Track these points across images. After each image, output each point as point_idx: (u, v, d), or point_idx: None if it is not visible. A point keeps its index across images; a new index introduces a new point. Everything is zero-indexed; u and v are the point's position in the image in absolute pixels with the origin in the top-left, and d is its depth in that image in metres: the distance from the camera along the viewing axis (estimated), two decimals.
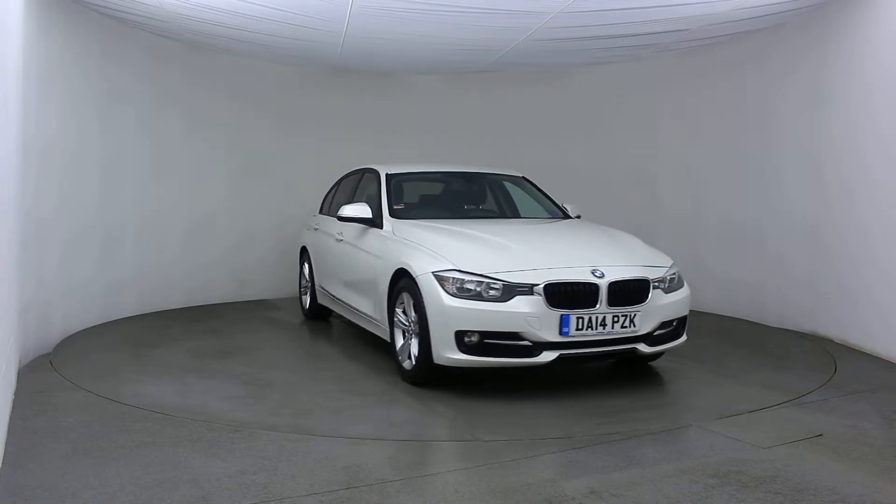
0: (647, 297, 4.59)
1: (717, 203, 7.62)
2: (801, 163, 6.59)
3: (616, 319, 4.47)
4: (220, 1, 5.78)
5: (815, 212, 6.41)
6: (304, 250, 7.35)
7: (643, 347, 4.64)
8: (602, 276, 4.48)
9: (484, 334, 4.35)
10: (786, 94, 6.75)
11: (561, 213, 6.21)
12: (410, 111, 9.04)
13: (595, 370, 5.29)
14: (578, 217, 6.19)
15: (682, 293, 4.96)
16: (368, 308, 5.46)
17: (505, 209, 6.32)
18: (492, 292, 4.37)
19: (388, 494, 3.02)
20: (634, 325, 4.53)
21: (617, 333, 4.50)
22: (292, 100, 8.61)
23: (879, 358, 5.55)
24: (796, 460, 3.42)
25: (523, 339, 4.34)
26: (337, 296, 6.26)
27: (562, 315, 4.33)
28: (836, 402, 4.43)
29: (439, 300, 4.42)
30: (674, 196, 8.12)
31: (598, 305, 4.42)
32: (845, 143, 6.01)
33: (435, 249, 4.75)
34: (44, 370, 5.05)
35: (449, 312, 4.38)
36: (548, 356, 4.36)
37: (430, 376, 4.66)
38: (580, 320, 4.37)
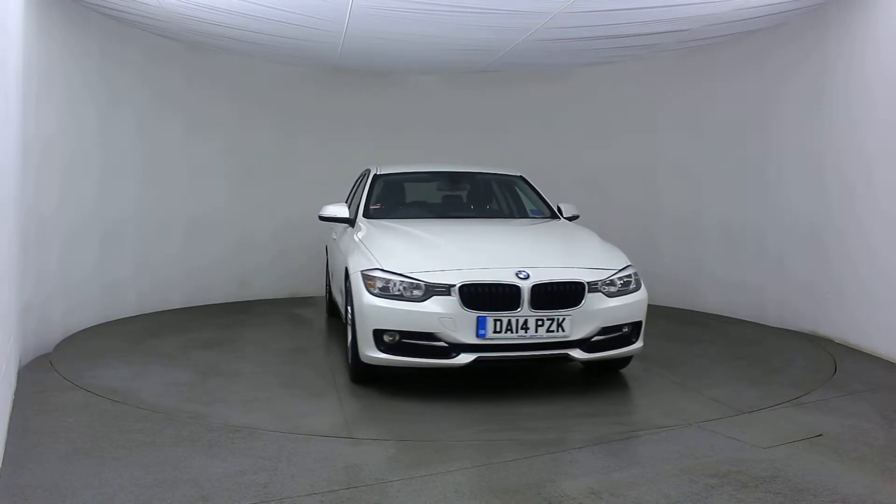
0: (581, 300, 4.40)
1: (718, 203, 7.62)
2: (801, 163, 6.59)
3: (541, 323, 4.30)
4: (221, 1, 5.78)
5: (815, 212, 6.41)
6: (326, 249, 7.51)
7: (578, 354, 4.40)
8: (527, 277, 4.33)
9: (403, 334, 4.35)
10: (786, 94, 6.75)
11: (548, 214, 6.03)
12: (410, 111, 9.03)
13: (572, 373, 5.29)
14: (575, 217, 6.09)
15: (634, 297, 4.67)
16: (342, 306, 5.57)
17: (488, 209, 6.26)
18: (414, 292, 4.36)
19: (388, 494, 3.02)
20: (563, 330, 4.33)
21: (542, 338, 4.32)
22: (292, 100, 8.61)
23: (879, 358, 5.55)
24: (796, 460, 3.42)
25: (439, 340, 4.30)
26: (332, 293, 6.49)
27: (478, 317, 4.25)
28: (836, 402, 4.43)
29: (360, 299, 4.47)
30: (674, 196, 8.11)
31: (520, 308, 4.28)
32: (846, 144, 6.01)
33: (372, 249, 4.78)
34: (44, 370, 5.05)
35: (367, 311, 4.42)
36: (465, 358, 4.28)
37: (364, 374, 4.70)
38: (498, 323, 4.26)
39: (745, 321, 7.18)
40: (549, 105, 8.89)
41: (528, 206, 6.22)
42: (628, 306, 4.61)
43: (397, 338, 4.37)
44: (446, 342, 4.29)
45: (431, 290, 4.32)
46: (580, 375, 5.15)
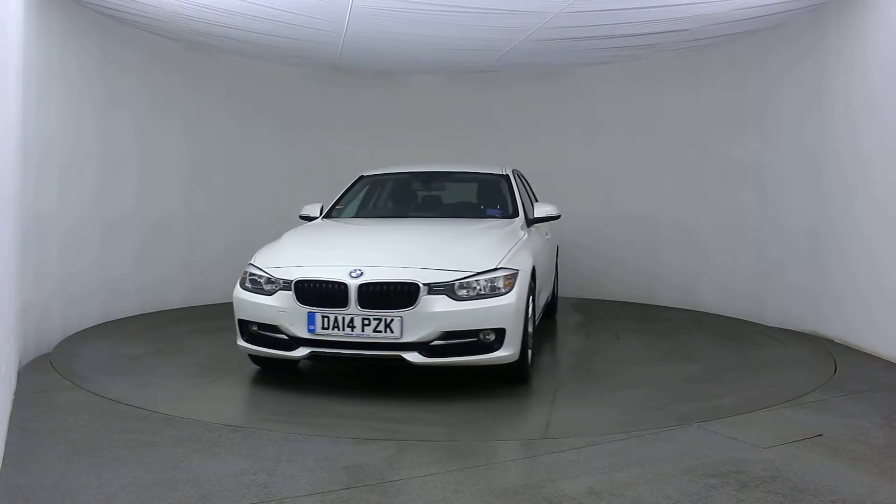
0: (415, 302, 4.27)
1: (718, 202, 7.62)
2: (801, 163, 6.59)
3: (367, 322, 4.28)
4: (220, 1, 5.78)
5: (815, 212, 6.41)
6: None
7: (413, 357, 4.28)
8: (359, 275, 4.34)
9: (259, 325, 4.59)
10: (786, 94, 6.75)
11: (509, 214, 5.75)
12: (410, 111, 9.03)
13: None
14: (551, 218, 5.85)
15: (495, 301, 4.37)
16: None
17: (451, 209, 6.18)
18: (267, 287, 4.57)
19: (388, 494, 3.02)
20: (393, 331, 4.25)
21: (370, 337, 4.29)
22: (292, 100, 8.61)
23: (879, 358, 5.55)
24: (796, 460, 3.42)
25: (281, 333, 4.49)
26: None
27: (308, 312, 4.36)
28: (836, 402, 4.43)
29: (234, 291, 4.78)
30: (674, 196, 8.12)
31: (348, 306, 4.31)
32: (846, 144, 6.00)
33: (269, 246, 5.06)
34: (44, 370, 5.05)
35: (235, 303, 4.73)
36: (301, 352, 4.44)
37: (256, 362, 5.01)
38: (326, 319, 4.33)
39: (745, 321, 7.18)
40: (549, 105, 8.89)
41: (496, 205, 6.01)
42: (482, 311, 4.32)
43: (255, 329, 4.62)
44: (286, 335, 4.47)
45: (278, 286, 4.52)
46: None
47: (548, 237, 6.41)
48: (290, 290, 4.44)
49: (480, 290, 4.38)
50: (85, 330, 6.35)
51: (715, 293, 7.68)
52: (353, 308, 4.30)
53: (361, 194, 6.38)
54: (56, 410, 4.13)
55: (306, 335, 4.39)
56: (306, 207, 6.09)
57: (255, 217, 8.33)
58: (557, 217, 5.96)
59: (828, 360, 5.50)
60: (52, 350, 5.62)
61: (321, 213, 6.02)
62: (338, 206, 6.17)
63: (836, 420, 4.05)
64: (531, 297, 4.86)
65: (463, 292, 4.34)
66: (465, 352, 4.36)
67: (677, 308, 7.95)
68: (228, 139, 8.14)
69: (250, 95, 8.33)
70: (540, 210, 5.84)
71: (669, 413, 4.22)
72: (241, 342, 4.73)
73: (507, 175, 6.24)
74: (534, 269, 4.95)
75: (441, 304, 4.28)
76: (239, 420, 4.04)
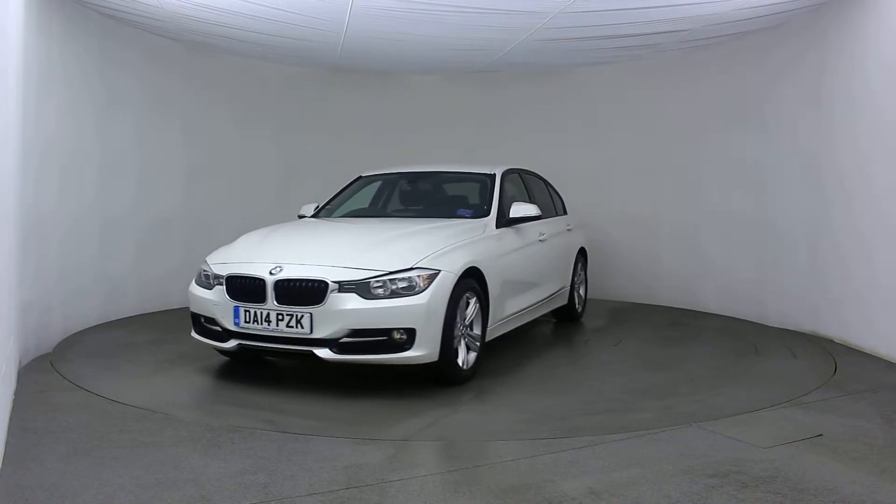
0: (323, 299, 4.36)
1: (717, 202, 7.63)
2: (801, 162, 6.59)
3: (281, 317, 4.43)
4: (221, 1, 5.78)
5: (815, 211, 6.41)
6: None
7: (324, 353, 4.35)
8: (278, 272, 4.49)
9: (205, 318, 4.84)
10: (786, 93, 6.75)
11: (481, 214, 5.60)
12: (410, 111, 9.04)
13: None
14: (531, 218, 5.74)
15: (407, 301, 4.36)
16: None
17: (429, 210, 6.08)
18: (211, 281, 4.82)
19: (388, 494, 3.02)
20: (303, 327, 4.37)
21: (284, 332, 4.43)
22: (292, 99, 8.61)
23: (879, 358, 5.55)
24: (796, 460, 3.42)
25: (216, 325, 4.73)
26: None
27: (234, 306, 4.59)
28: (836, 402, 4.43)
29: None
30: (673, 196, 8.12)
31: (266, 301, 4.48)
32: (846, 143, 6.00)
33: (230, 243, 5.28)
34: (44, 370, 5.05)
35: (189, 297, 5.02)
36: (231, 343, 4.67)
37: (224, 354, 5.14)
38: (248, 313, 4.54)
39: (745, 321, 7.19)
40: (549, 105, 8.90)
41: (471, 205, 5.92)
42: (391, 310, 4.34)
43: (202, 321, 4.88)
44: (220, 327, 4.70)
45: (217, 281, 4.76)
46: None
47: (542, 238, 6.12)
48: (223, 284, 4.69)
49: (396, 289, 4.39)
50: (85, 329, 6.35)
51: (714, 292, 7.68)
52: (271, 303, 4.47)
53: (354, 194, 6.47)
54: (56, 410, 4.13)
55: (234, 328, 4.61)
56: (304, 207, 6.27)
57: (255, 216, 8.28)
58: (536, 217, 5.78)
59: (828, 360, 5.50)
60: (52, 350, 5.62)
61: (314, 213, 6.17)
62: (328, 206, 6.29)
63: (836, 420, 4.05)
64: (475, 299, 4.81)
65: (379, 291, 4.38)
66: (376, 350, 4.39)
67: (677, 308, 7.95)
68: (228, 139, 8.14)
69: (250, 95, 8.33)
70: (516, 210, 5.66)
71: (568, 424, 3.99)
72: (193, 333, 5.02)
73: (494, 175, 6.03)
74: (477, 270, 4.83)
75: (350, 302, 4.35)
76: (240, 421, 4.04)
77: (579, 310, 7.32)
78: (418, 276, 4.44)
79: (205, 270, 4.93)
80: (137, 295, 7.19)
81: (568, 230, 7.02)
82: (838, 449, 3.59)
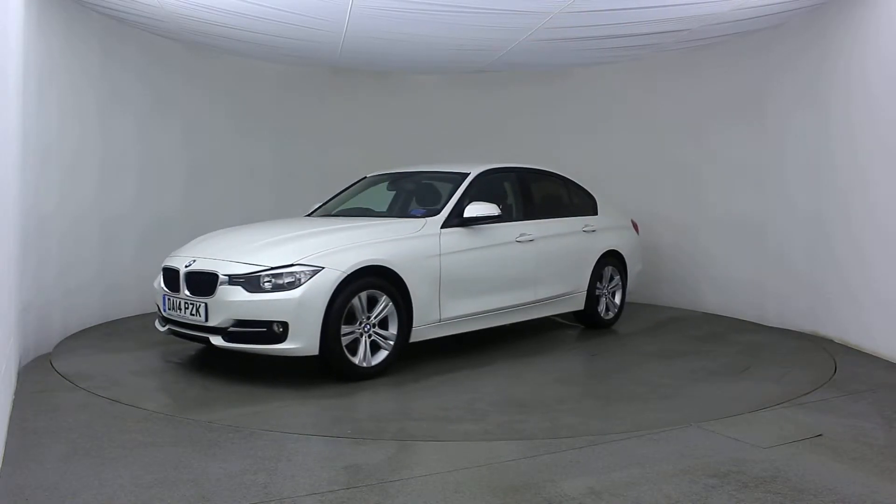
0: (213, 290, 4.72)
1: (717, 202, 7.62)
2: (800, 161, 6.59)
3: (187, 306, 4.87)
4: (221, 1, 5.78)
5: (815, 211, 6.41)
6: None
7: (217, 341, 4.71)
8: (190, 265, 4.93)
9: (159, 307, 5.25)
10: (785, 93, 6.75)
11: (433, 213, 5.55)
12: (410, 111, 9.03)
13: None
14: (489, 218, 5.58)
15: (281, 295, 4.53)
16: None
17: (401, 210, 6.09)
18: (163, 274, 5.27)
19: (388, 494, 3.02)
20: (201, 316, 4.77)
21: (189, 319, 4.87)
22: (292, 99, 8.61)
23: (879, 358, 5.55)
24: (796, 460, 3.42)
25: (160, 311, 5.23)
26: None
27: (163, 295, 5.11)
28: (836, 402, 4.43)
29: None
30: (673, 195, 8.12)
31: (180, 291, 4.93)
32: (845, 142, 6.00)
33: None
34: (44, 370, 5.05)
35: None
36: (164, 328, 5.16)
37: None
38: (169, 300, 5.04)
39: (745, 321, 7.19)
40: (549, 105, 8.89)
41: (427, 204, 5.88)
42: (267, 303, 4.58)
43: (158, 308, 5.29)
44: (161, 313, 5.19)
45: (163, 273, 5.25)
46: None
47: (522, 239, 5.92)
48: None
49: (281, 283, 4.62)
50: (85, 329, 6.35)
51: (714, 292, 7.68)
52: (183, 293, 4.91)
53: (349, 194, 6.58)
54: (56, 410, 4.13)
55: (164, 314, 5.12)
56: (314, 205, 6.59)
57: (255, 216, 8.28)
58: (494, 217, 5.58)
59: (828, 360, 5.50)
60: (52, 350, 5.63)
61: (310, 212, 6.45)
62: (325, 205, 6.50)
63: (836, 420, 4.05)
64: (385, 297, 4.89)
65: (267, 284, 4.63)
66: (259, 340, 4.66)
67: (677, 308, 7.94)
68: (228, 139, 8.14)
69: (250, 95, 8.33)
70: (472, 210, 5.52)
71: (444, 424, 3.94)
72: (157, 322, 5.35)
73: (466, 175, 5.87)
74: (389, 270, 4.89)
75: (236, 294, 4.66)
76: (241, 422, 4.04)
77: (608, 316, 6.89)
78: (301, 271, 4.64)
79: (165, 263, 5.33)
80: (137, 295, 7.18)
81: (585, 231, 6.64)
82: (838, 449, 3.59)
